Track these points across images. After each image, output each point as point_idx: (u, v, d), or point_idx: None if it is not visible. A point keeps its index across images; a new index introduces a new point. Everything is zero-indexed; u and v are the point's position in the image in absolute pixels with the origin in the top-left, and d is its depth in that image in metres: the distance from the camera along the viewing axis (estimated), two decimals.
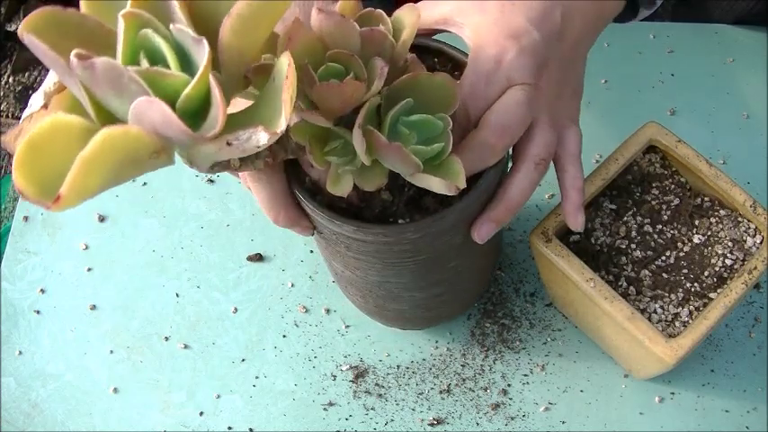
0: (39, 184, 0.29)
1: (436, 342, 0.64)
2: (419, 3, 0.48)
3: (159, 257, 0.71)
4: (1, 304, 0.70)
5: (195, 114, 0.32)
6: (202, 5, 0.33)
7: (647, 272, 0.54)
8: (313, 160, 0.41)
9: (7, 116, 1.38)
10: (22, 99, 1.40)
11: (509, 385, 0.62)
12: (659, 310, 0.53)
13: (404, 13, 0.42)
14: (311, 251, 0.69)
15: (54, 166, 0.29)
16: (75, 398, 0.66)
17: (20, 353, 0.68)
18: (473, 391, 0.62)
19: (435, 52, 0.51)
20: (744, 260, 0.54)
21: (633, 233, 0.56)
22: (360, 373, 0.64)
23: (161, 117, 0.29)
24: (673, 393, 0.61)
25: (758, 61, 0.72)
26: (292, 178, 0.47)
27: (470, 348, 0.64)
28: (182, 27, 0.31)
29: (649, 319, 0.53)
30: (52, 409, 0.65)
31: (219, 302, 0.68)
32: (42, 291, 0.70)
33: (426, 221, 0.45)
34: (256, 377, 0.65)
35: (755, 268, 0.52)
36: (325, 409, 0.63)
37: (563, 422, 0.61)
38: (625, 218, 0.56)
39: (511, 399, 0.62)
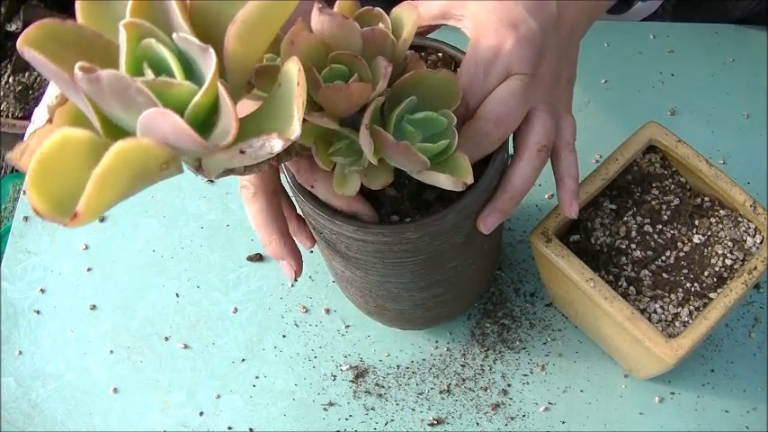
0: (53, 201, 0.29)
1: (436, 342, 0.64)
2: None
3: (159, 257, 0.71)
4: (1, 304, 0.70)
5: (203, 123, 0.32)
6: (202, 11, 0.33)
7: (647, 272, 0.54)
8: (319, 161, 0.41)
9: (7, 116, 1.38)
10: (22, 99, 1.40)
11: (509, 385, 0.62)
12: (659, 310, 0.53)
13: (403, 11, 0.42)
14: (311, 251, 0.69)
15: (66, 182, 0.29)
16: (75, 398, 0.66)
17: (20, 353, 0.68)
18: (473, 391, 0.62)
19: (433, 50, 0.51)
20: (744, 260, 0.54)
21: (633, 233, 0.56)
22: (360, 373, 0.64)
23: (172, 128, 0.29)
24: (673, 393, 0.61)
25: (758, 61, 0.72)
26: (293, 178, 0.47)
27: (470, 348, 0.64)
28: (186, 36, 0.31)
29: (649, 319, 0.53)
30: (52, 409, 0.65)
31: (219, 302, 0.68)
32: (42, 291, 0.70)
33: (426, 221, 0.45)
34: (256, 377, 0.65)
35: (755, 268, 0.52)
36: (325, 409, 0.63)
37: (563, 422, 0.61)
38: (625, 218, 0.56)
39: (511, 399, 0.62)
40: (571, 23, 0.49)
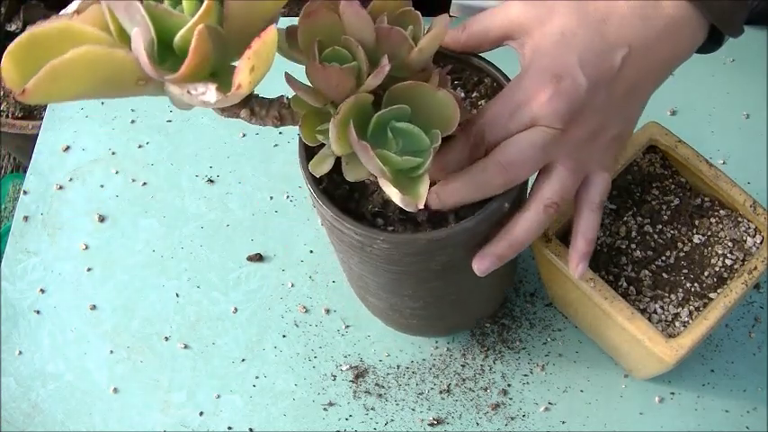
0: (21, 73, 0.31)
1: (436, 342, 0.64)
2: (488, 11, 0.47)
3: (159, 257, 0.71)
4: (1, 304, 0.70)
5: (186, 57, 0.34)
6: None
7: (647, 272, 0.54)
8: (302, 134, 0.41)
9: (7, 116, 1.38)
10: None
11: (509, 385, 0.62)
12: (659, 310, 0.53)
13: (434, 22, 0.41)
14: (311, 251, 0.69)
15: (44, 63, 0.31)
16: (75, 398, 0.66)
17: (20, 353, 0.68)
18: (473, 391, 0.62)
19: (482, 72, 0.51)
20: (744, 260, 0.54)
21: (633, 233, 0.56)
22: (360, 373, 0.64)
23: (136, 49, 0.32)
24: (673, 393, 0.61)
25: (758, 61, 0.72)
26: (310, 177, 0.46)
27: (470, 348, 0.64)
28: None
29: (649, 319, 0.53)
30: (52, 409, 0.65)
31: (219, 302, 0.68)
32: (42, 291, 0.70)
33: (395, 236, 0.45)
34: (256, 377, 0.65)
35: (755, 268, 0.52)
36: (325, 409, 0.63)
37: (563, 422, 0.61)
38: (625, 218, 0.56)
39: (511, 399, 0.62)
40: (632, 81, 0.45)
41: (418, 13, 0.41)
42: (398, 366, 0.64)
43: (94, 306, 0.69)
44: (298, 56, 0.41)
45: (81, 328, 0.68)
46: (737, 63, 0.73)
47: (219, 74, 0.35)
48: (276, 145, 0.75)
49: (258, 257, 0.69)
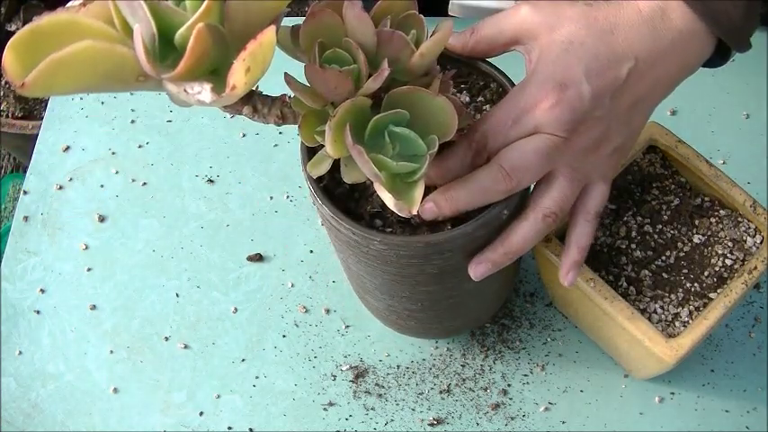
0: (24, 65, 0.31)
1: (436, 342, 0.64)
2: (496, 15, 0.47)
3: (159, 257, 0.71)
4: (1, 304, 0.70)
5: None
6: None
7: (647, 272, 0.54)
8: (301, 135, 0.41)
9: (7, 116, 1.38)
10: (22, 99, 1.39)
11: (509, 385, 0.62)
12: (659, 310, 0.53)
13: (438, 26, 0.41)
14: (311, 251, 0.69)
15: (47, 56, 0.31)
16: (75, 398, 0.66)
17: (20, 353, 0.68)
18: (473, 391, 0.62)
19: (488, 77, 0.51)
20: (744, 260, 0.54)
21: (633, 233, 0.56)
22: (360, 373, 0.64)
23: (137, 45, 0.32)
24: (673, 393, 0.61)
25: (758, 61, 0.72)
26: (311, 179, 0.47)
27: (470, 348, 0.64)
28: None
29: (649, 319, 0.53)
30: (52, 409, 0.65)
31: (219, 302, 0.68)
32: (42, 291, 0.70)
33: (391, 238, 0.45)
34: (256, 377, 0.65)
35: (755, 268, 0.52)
36: (325, 409, 0.63)
37: (563, 422, 0.61)
38: (625, 218, 0.56)
39: (511, 399, 0.62)
40: (637, 93, 0.45)
41: (422, 17, 0.41)
42: (398, 366, 0.64)
43: (94, 306, 0.69)
44: (301, 56, 0.41)
45: (81, 328, 0.68)
46: (737, 63, 0.72)
47: (221, 71, 0.35)
48: (276, 145, 0.75)
49: (258, 257, 0.69)
